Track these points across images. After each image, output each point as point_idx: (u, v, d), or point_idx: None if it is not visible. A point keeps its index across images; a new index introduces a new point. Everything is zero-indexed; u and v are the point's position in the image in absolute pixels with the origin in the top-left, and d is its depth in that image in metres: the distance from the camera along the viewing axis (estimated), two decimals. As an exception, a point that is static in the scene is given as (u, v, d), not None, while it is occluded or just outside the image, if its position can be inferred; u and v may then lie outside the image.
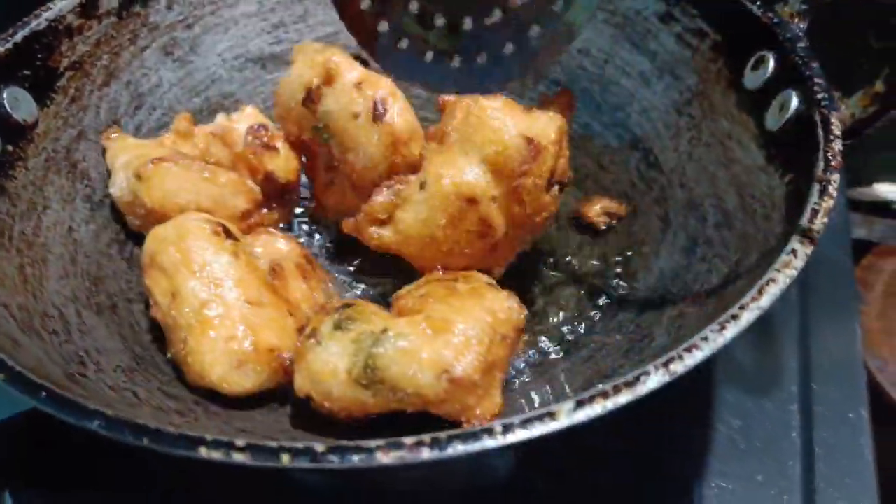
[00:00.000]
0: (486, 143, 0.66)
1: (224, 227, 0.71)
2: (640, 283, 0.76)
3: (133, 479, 0.77)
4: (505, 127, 0.65)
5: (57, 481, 0.77)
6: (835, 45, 0.67)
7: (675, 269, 0.73)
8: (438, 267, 0.71)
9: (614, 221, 0.83)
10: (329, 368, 0.60)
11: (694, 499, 0.72)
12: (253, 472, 0.76)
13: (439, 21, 0.68)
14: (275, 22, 0.94)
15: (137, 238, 0.80)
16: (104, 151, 0.81)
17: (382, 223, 0.72)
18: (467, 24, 0.67)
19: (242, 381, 0.66)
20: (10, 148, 0.72)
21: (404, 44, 0.69)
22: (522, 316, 0.65)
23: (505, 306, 0.64)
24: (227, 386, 0.65)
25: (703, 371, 0.81)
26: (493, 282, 0.70)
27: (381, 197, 0.71)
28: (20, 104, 0.73)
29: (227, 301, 0.67)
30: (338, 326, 0.62)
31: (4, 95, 0.72)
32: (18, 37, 0.74)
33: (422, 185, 0.69)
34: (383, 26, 0.69)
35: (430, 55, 0.69)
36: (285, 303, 0.70)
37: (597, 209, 0.83)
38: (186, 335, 0.66)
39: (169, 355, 0.69)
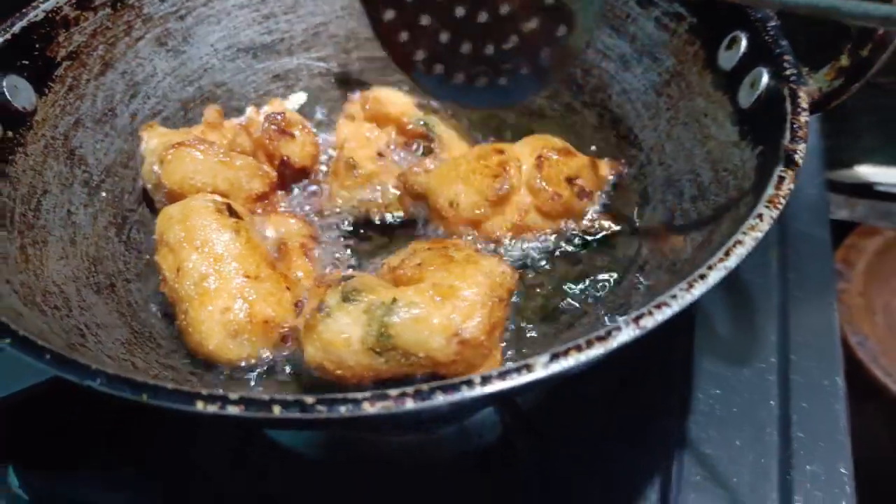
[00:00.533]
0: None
1: (229, 206, 0.75)
2: (620, 253, 0.79)
3: (131, 455, 0.80)
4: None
5: (58, 457, 0.79)
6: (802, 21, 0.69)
7: (653, 241, 0.76)
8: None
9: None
10: (342, 338, 0.64)
11: (673, 463, 0.75)
12: (250, 443, 0.80)
13: (465, 48, 0.74)
14: (265, 13, 0.97)
15: (134, 222, 0.83)
16: (139, 142, 0.84)
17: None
18: (489, 50, 0.73)
19: (238, 350, 0.69)
20: (10, 134, 0.74)
21: (438, 68, 0.75)
22: (515, 278, 0.69)
23: (499, 270, 0.67)
24: (223, 354, 0.69)
25: (683, 342, 0.84)
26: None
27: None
28: (19, 92, 0.76)
29: (226, 275, 0.70)
30: (346, 298, 0.65)
31: (4, 84, 0.74)
32: (17, 27, 0.76)
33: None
34: (419, 55, 0.75)
35: (460, 77, 0.75)
36: (284, 278, 0.74)
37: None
38: (188, 306, 0.70)
39: (176, 325, 0.72)
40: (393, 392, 0.47)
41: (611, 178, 0.84)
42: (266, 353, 0.70)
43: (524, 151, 0.81)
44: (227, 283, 0.70)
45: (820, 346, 0.85)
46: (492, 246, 0.80)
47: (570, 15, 0.70)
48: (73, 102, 0.81)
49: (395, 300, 0.64)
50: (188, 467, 0.80)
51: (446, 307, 0.63)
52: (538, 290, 0.78)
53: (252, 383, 0.69)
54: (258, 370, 0.70)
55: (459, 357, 0.63)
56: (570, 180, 0.80)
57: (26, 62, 0.77)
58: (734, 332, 0.86)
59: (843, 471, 0.74)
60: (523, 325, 0.75)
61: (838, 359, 0.84)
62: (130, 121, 0.87)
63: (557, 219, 0.81)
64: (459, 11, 0.71)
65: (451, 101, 0.82)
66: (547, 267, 0.80)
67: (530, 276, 0.80)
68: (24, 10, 0.78)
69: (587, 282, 0.78)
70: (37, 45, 0.78)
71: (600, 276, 0.78)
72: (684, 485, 0.73)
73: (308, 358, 0.65)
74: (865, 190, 1.22)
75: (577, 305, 0.76)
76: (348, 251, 0.83)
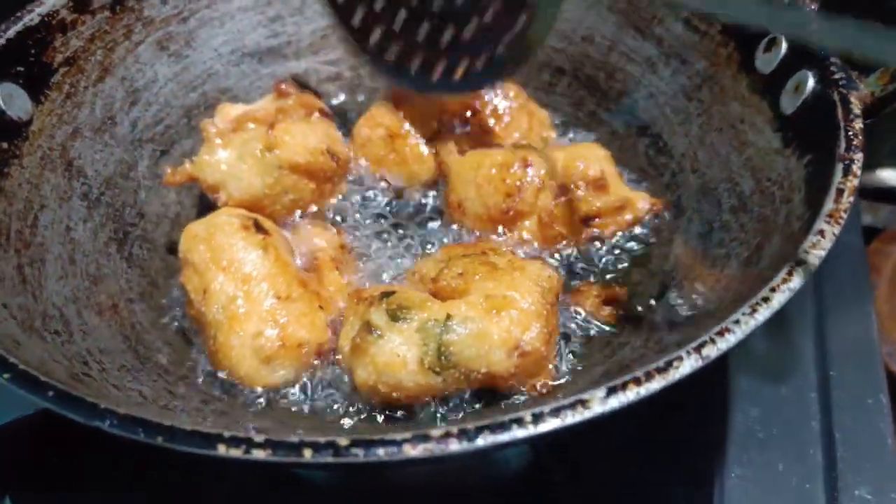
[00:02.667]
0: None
1: (256, 221, 0.71)
2: (656, 267, 0.75)
3: (132, 481, 0.75)
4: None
5: (57, 485, 0.75)
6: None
7: (691, 254, 0.72)
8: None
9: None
10: (398, 360, 0.61)
11: (715, 489, 0.71)
12: (255, 471, 0.75)
13: (422, 34, 0.71)
14: (271, 15, 0.92)
15: (136, 237, 0.78)
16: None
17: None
18: (447, 36, 0.70)
19: (270, 376, 0.66)
20: (4, 146, 0.69)
21: (391, 54, 0.73)
22: (560, 282, 0.68)
23: (545, 275, 0.66)
24: (256, 381, 0.66)
25: (718, 360, 0.80)
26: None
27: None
28: (14, 101, 0.71)
29: (256, 296, 0.66)
30: (394, 317, 0.62)
31: (-1, 92, 0.70)
32: (11, 32, 0.72)
33: None
34: (374, 37, 0.73)
35: (415, 63, 0.73)
36: (317, 296, 0.70)
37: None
38: (216, 331, 0.66)
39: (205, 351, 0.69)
40: (435, 432, 0.43)
41: (646, 215, 0.79)
42: (298, 378, 0.67)
43: (557, 163, 0.77)
44: (258, 306, 0.66)
45: (860, 361, 0.81)
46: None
47: (530, 6, 0.65)
48: (70, 111, 0.77)
49: (449, 317, 0.61)
50: (191, 491, 0.76)
51: (503, 320, 0.61)
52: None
53: (269, 413, 0.65)
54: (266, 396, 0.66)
55: (519, 370, 0.61)
56: (586, 220, 0.76)
57: (21, 69, 0.72)
58: (770, 348, 0.82)
59: (894, 496, 0.70)
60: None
61: (881, 374, 0.80)
62: (131, 129, 0.82)
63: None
64: None
65: (405, 86, 0.78)
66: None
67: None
68: (18, 14, 0.73)
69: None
70: (32, 51, 0.74)
71: (635, 292, 0.73)
72: (728, 514, 0.69)
73: (359, 381, 0.62)
74: (889, 194, 1.19)
75: (607, 329, 0.71)
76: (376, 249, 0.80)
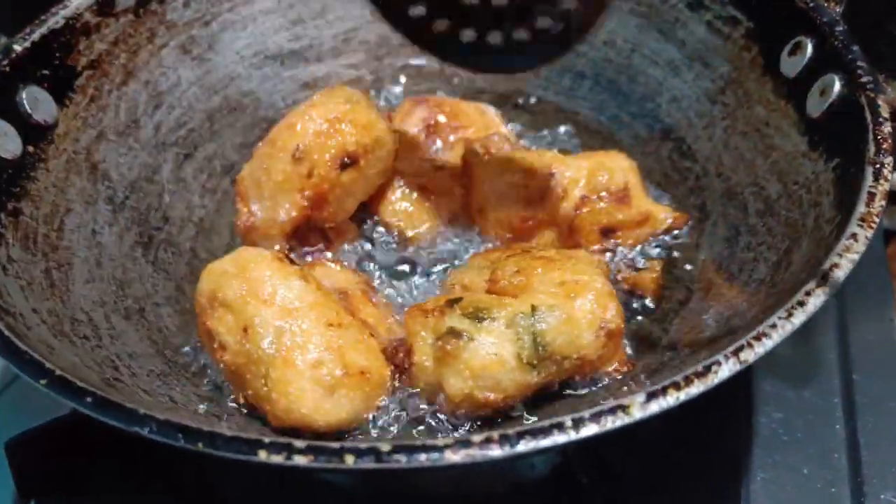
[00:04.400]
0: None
1: (286, 254, 0.68)
2: (681, 274, 0.74)
3: (155, 487, 0.75)
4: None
5: (80, 490, 0.75)
6: (869, 31, 0.65)
7: (718, 259, 0.72)
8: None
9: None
10: (496, 359, 0.60)
11: (741, 493, 0.71)
12: (279, 474, 0.75)
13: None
14: (293, 18, 0.92)
15: (161, 241, 0.78)
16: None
17: None
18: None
19: (336, 410, 0.61)
20: (30, 149, 0.70)
21: (441, 25, 0.70)
22: (608, 266, 0.70)
23: (595, 259, 0.68)
24: (320, 417, 0.60)
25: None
26: None
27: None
28: (40, 104, 0.71)
29: (306, 326, 0.62)
30: (476, 318, 0.61)
31: (24, 95, 0.70)
32: (36, 35, 0.72)
33: None
34: (419, 10, 0.68)
35: (468, 34, 0.70)
36: (364, 325, 0.67)
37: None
38: (268, 368, 0.61)
39: (241, 401, 0.65)
40: (477, 438, 0.43)
41: (669, 229, 0.78)
42: (364, 409, 0.63)
43: (579, 173, 0.76)
44: (312, 336, 0.61)
45: (882, 365, 0.81)
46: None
47: None
48: (95, 114, 0.77)
49: (534, 308, 0.61)
50: (215, 498, 0.76)
51: (583, 302, 0.62)
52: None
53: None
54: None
55: (605, 350, 0.62)
56: (605, 232, 0.76)
57: (46, 72, 0.73)
58: (793, 352, 0.82)
59: (920, 500, 0.70)
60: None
61: (904, 378, 0.80)
62: (154, 133, 0.82)
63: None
64: None
65: (457, 63, 0.75)
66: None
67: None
68: (42, 17, 0.74)
69: (645, 301, 0.74)
70: (57, 54, 0.74)
71: (666, 299, 0.73)
72: (754, 517, 0.69)
73: (453, 392, 0.60)
74: (904, 197, 1.18)
75: (635, 329, 0.71)
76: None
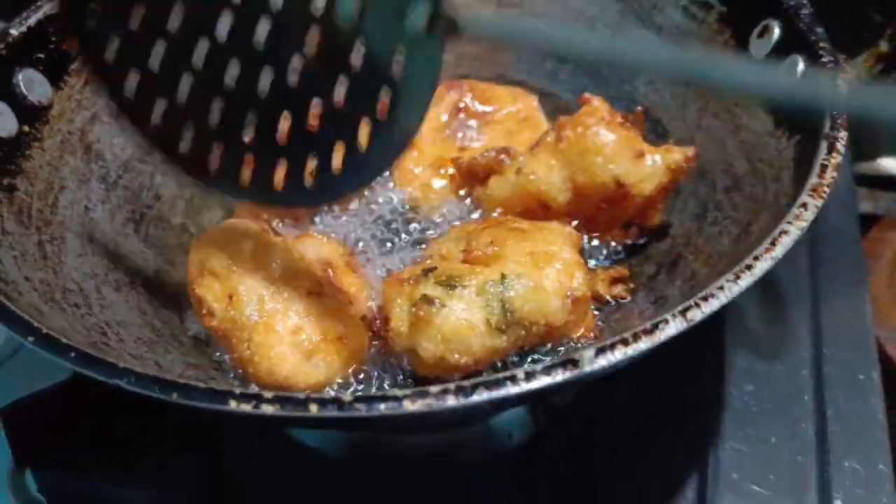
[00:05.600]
0: (583, 169, 0.73)
1: (272, 227, 0.71)
2: (652, 249, 0.77)
3: (152, 455, 0.78)
4: (605, 164, 0.73)
5: (77, 459, 0.78)
6: (836, 17, 0.67)
7: (686, 233, 0.74)
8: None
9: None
10: (466, 324, 0.63)
11: (709, 461, 0.73)
12: (272, 445, 0.78)
13: (250, 129, 0.57)
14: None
15: (152, 218, 0.81)
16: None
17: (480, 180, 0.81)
18: (282, 130, 0.57)
19: (315, 373, 0.65)
20: (26, 129, 0.72)
21: (214, 159, 0.58)
22: (580, 236, 0.72)
23: (566, 231, 0.70)
24: (298, 379, 0.65)
25: (715, 338, 0.82)
26: None
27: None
28: (35, 86, 0.74)
29: (287, 295, 0.66)
30: (450, 286, 0.64)
31: (20, 77, 0.72)
32: (32, 20, 0.75)
33: (517, 171, 0.78)
34: (184, 142, 0.58)
35: (246, 173, 0.59)
36: (344, 294, 0.70)
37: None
38: (250, 333, 0.65)
39: (230, 363, 0.69)
40: (434, 389, 0.46)
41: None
42: (341, 373, 0.67)
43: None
44: (293, 303, 0.66)
45: (853, 340, 0.83)
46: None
47: (392, 84, 0.55)
48: (89, 97, 0.79)
49: (503, 276, 0.64)
50: (211, 465, 0.79)
51: (551, 271, 0.65)
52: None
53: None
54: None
55: (571, 316, 0.65)
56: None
57: (41, 55, 0.75)
58: (766, 327, 0.84)
59: (882, 467, 0.72)
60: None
61: (873, 352, 0.82)
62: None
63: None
64: (232, 72, 0.55)
65: (236, 197, 0.67)
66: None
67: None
68: (38, 3, 0.76)
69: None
70: (52, 38, 0.76)
71: (634, 271, 0.76)
72: (721, 484, 0.71)
73: (427, 355, 0.63)
74: (889, 182, 1.20)
75: (610, 300, 0.74)
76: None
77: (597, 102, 0.76)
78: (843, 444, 0.74)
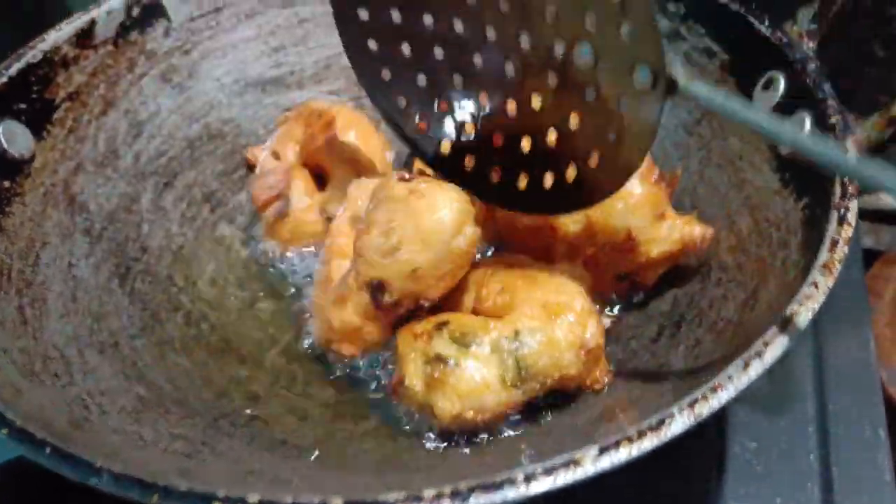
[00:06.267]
0: (602, 207, 0.70)
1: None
2: (653, 310, 0.75)
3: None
4: (624, 212, 0.72)
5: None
6: (840, 57, 0.65)
7: (689, 293, 0.72)
8: None
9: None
10: (481, 383, 0.62)
11: (714, 526, 0.71)
12: None
13: (498, 137, 0.69)
14: (275, 45, 0.93)
15: (138, 272, 0.79)
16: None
17: None
18: (523, 147, 0.67)
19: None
20: (6, 184, 0.70)
21: (446, 146, 0.72)
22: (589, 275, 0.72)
23: (577, 272, 0.71)
24: None
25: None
26: None
27: None
28: (16, 138, 0.71)
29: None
30: (463, 343, 0.64)
31: (0, 130, 0.70)
32: (13, 70, 0.72)
33: None
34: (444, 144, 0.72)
35: (470, 162, 0.71)
36: None
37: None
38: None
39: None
40: (428, 493, 0.44)
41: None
42: None
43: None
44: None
45: (858, 393, 0.81)
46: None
47: (619, 119, 0.60)
48: (73, 146, 0.77)
49: (517, 332, 0.64)
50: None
51: (564, 323, 0.64)
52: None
53: (267, 456, 0.65)
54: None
55: (585, 367, 0.64)
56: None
57: (24, 106, 0.73)
58: (767, 380, 0.82)
59: (891, 531, 0.70)
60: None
61: (879, 406, 0.80)
62: (134, 162, 0.83)
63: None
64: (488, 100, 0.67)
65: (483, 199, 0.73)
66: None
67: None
68: (20, 52, 0.74)
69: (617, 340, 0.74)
70: (35, 88, 0.74)
71: (631, 334, 0.74)
72: (725, 549, 0.69)
73: (443, 414, 0.63)
74: (890, 217, 1.18)
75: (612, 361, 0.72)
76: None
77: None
78: (849, 506, 0.72)
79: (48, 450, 0.48)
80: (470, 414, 0.63)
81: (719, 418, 0.79)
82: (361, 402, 0.73)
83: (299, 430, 0.69)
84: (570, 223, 0.73)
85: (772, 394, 0.82)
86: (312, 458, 0.65)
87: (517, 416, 0.67)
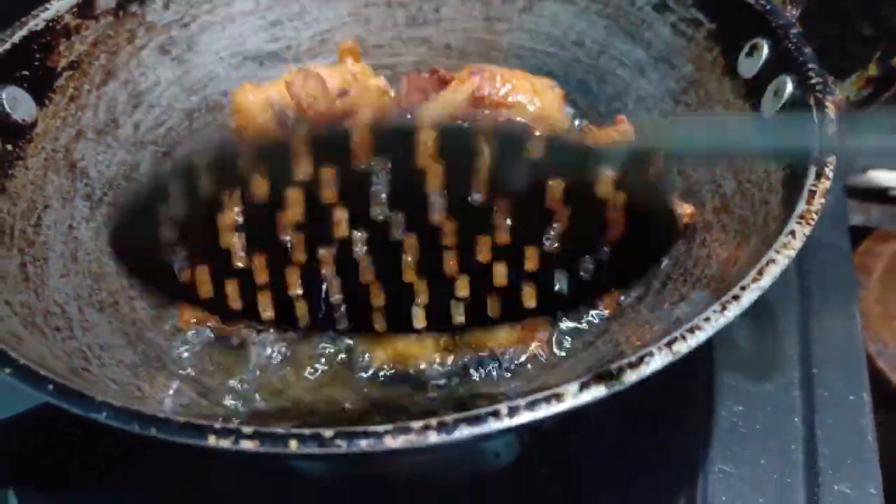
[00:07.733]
0: None
1: None
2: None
3: (134, 479, 0.77)
4: None
5: (60, 481, 0.77)
6: (826, 33, 0.67)
7: (674, 255, 0.74)
8: None
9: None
10: None
11: (698, 484, 0.73)
12: (255, 466, 0.77)
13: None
14: (271, 20, 0.94)
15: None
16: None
17: None
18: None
19: None
20: (9, 147, 0.72)
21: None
22: None
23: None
24: None
25: (704, 357, 0.82)
26: None
27: None
28: (19, 104, 0.73)
29: None
30: None
31: (3, 95, 0.72)
32: (17, 37, 0.74)
33: None
34: None
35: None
36: None
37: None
38: None
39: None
40: (416, 424, 0.45)
41: None
42: None
43: None
44: None
45: (844, 359, 0.83)
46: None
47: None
48: (74, 113, 0.79)
49: None
50: (197, 485, 0.78)
51: None
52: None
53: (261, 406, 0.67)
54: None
55: None
56: None
57: (26, 73, 0.75)
58: (755, 346, 0.84)
59: (872, 491, 0.71)
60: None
61: (863, 372, 0.82)
62: (133, 131, 0.84)
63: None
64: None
65: None
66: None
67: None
68: (23, 20, 0.76)
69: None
70: (37, 55, 0.76)
71: (619, 294, 0.75)
72: (709, 505, 0.71)
73: None
74: (880, 194, 1.20)
75: (596, 322, 0.73)
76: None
77: (626, 127, 0.76)
78: (833, 467, 0.73)
79: (50, 386, 0.49)
80: None
81: (708, 384, 0.80)
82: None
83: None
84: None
85: (759, 361, 0.83)
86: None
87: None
